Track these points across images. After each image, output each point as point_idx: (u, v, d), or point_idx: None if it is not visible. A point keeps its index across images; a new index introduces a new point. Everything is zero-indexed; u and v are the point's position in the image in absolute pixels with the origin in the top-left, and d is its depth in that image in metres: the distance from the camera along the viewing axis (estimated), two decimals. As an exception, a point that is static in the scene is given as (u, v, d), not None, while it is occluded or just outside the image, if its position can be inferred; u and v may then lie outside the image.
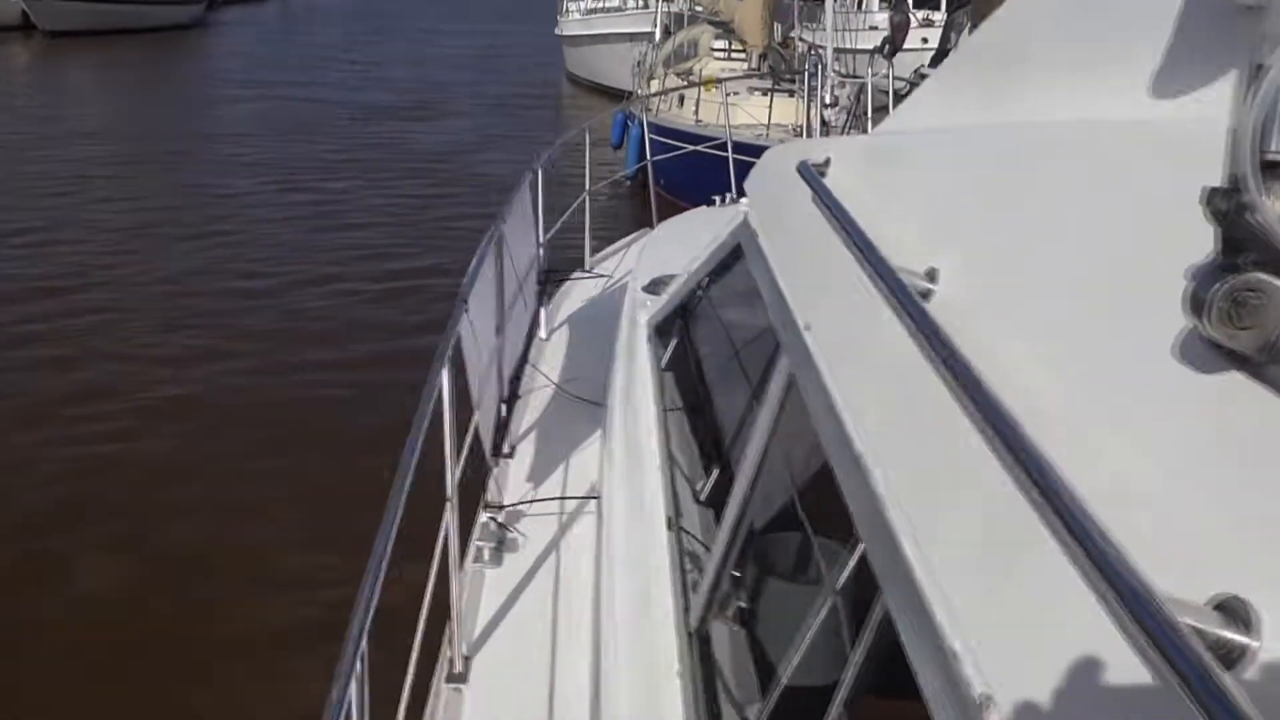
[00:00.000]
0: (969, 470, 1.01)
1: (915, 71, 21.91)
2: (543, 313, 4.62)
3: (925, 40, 24.50)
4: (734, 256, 2.51)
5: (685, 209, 13.89)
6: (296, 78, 25.37)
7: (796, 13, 18.52)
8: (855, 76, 14.81)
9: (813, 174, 1.82)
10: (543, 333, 4.58)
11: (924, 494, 1.13)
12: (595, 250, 5.78)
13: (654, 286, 3.60)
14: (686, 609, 2.09)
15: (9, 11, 31.53)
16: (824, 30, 22.31)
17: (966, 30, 19.57)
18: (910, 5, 18.95)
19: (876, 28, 22.34)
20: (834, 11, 11.37)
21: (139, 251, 11.03)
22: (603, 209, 13.54)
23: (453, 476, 2.74)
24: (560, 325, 4.72)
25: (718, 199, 6.32)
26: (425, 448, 2.30)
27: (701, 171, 12.82)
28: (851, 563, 1.48)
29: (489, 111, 21.49)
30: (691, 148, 11.93)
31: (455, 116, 20.73)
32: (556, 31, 27.90)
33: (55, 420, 7.02)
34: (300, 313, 9.30)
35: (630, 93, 17.50)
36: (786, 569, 2.01)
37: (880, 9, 24.95)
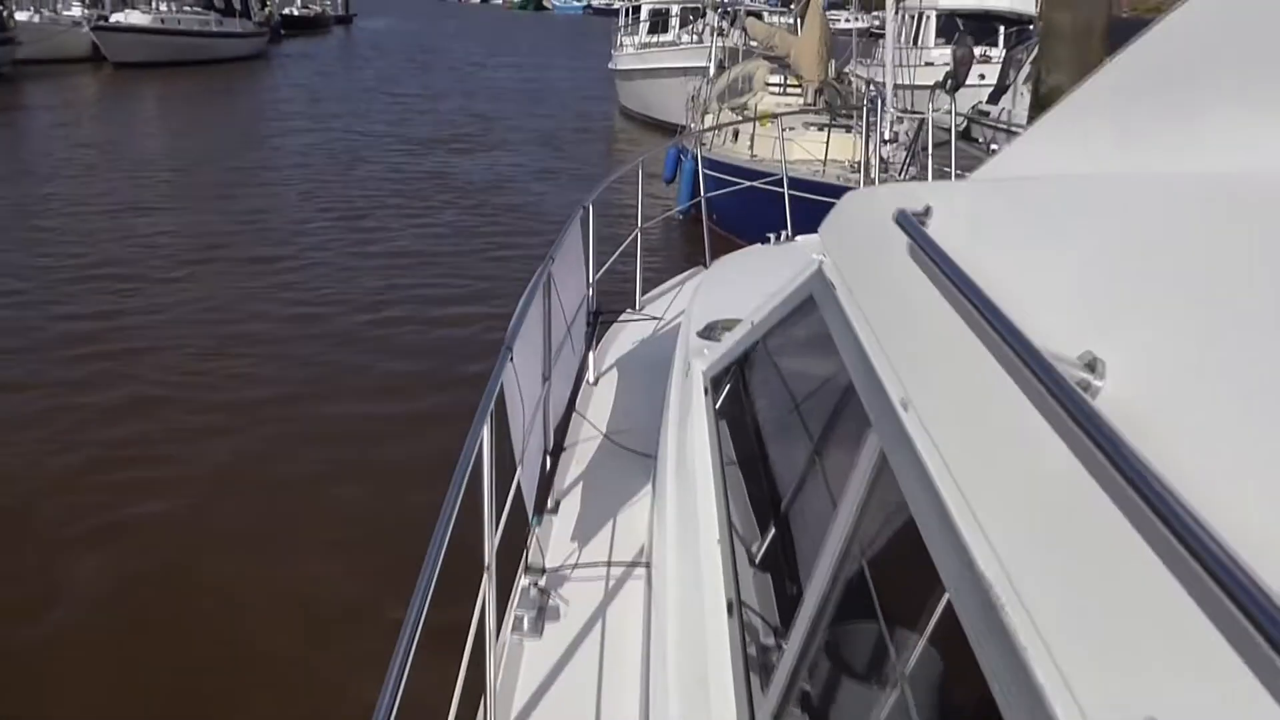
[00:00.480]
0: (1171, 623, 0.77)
1: (973, 108, 21.69)
2: (590, 356, 4.40)
3: (983, 76, 24.22)
4: (805, 309, 2.26)
5: (739, 245, 13.66)
6: (352, 109, 25.68)
7: (854, 48, 18.34)
8: (914, 112, 14.55)
9: (914, 224, 1.57)
10: (590, 376, 4.36)
11: (1092, 658, 0.87)
12: (646, 289, 5.57)
13: (709, 332, 3.37)
14: (752, 709, 1.84)
15: (79, 43, 32.42)
16: (880, 65, 22.19)
17: (1025, 66, 19.26)
18: (971, 40, 18.74)
19: (932, 64, 22.07)
20: (894, 47, 11.12)
21: (192, 278, 11.05)
22: (654, 244, 13.43)
23: (491, 543, 2.52)
24: (609, 369, 4.50)
25: (773, 236, 6.10)
26: (464, 506, 2.11)
27: (756, 207, 12.59)
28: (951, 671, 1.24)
29: (541, 144, 21.53)
30: (747, 184, 11.75)
31: (507, 150, 20.77)
32: (610, 65, 27.98)
33: (95, 444, 6.95)
34: (351, 342, 9.22)
35: (683, 127, 17.37)
36: (875, 673, 1.75)
37: (936, 44, 24.69)
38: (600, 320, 4.78)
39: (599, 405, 4.08)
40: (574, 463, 3.65)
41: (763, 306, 2.63)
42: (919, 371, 1.49)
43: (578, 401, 4.06)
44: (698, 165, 14.58)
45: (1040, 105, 8.79)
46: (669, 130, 21.65)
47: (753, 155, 12.73)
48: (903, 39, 27.83)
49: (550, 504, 3.38)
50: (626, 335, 4.88)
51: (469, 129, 23.00)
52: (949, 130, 11.50)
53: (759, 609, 2.18)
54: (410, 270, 11.69)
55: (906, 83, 17.16)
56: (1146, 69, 1.62)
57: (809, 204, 10.18)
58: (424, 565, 1.88)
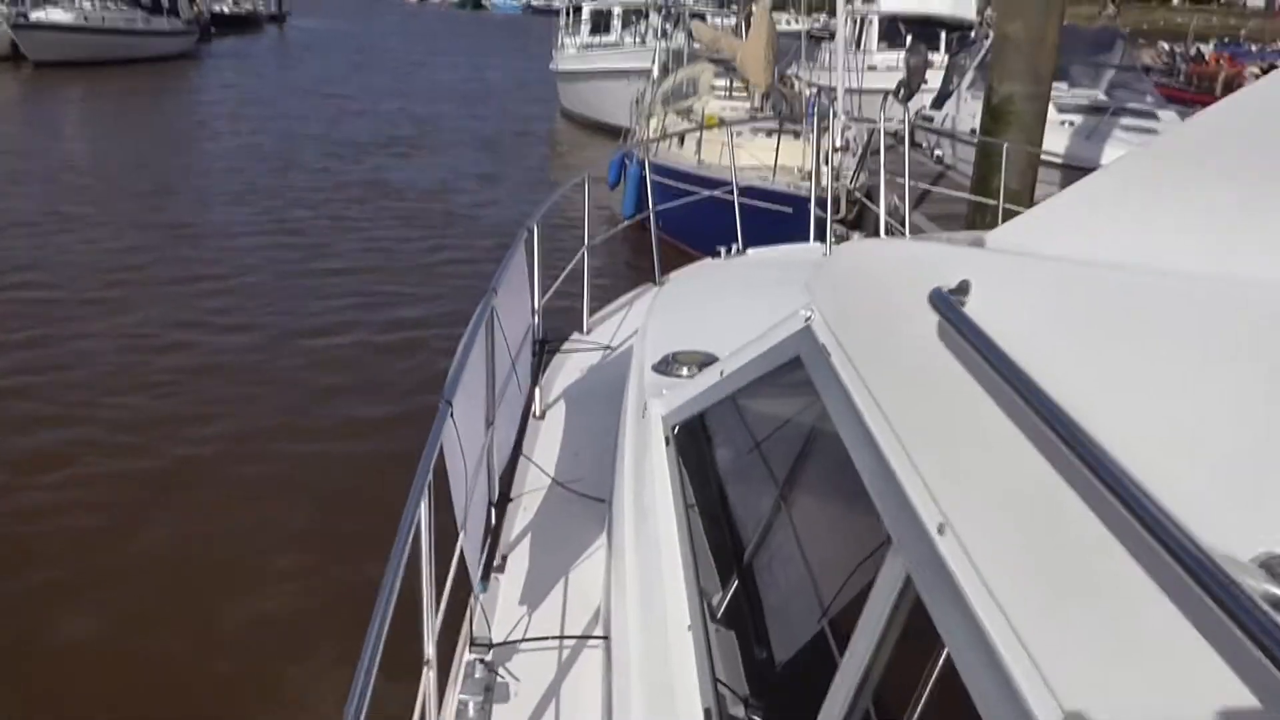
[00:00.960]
0: None
1: (917, 113, 21.69)
2: (537, 389, 4.08)
3: (925, 81, 24.31)
4: (788, 370, 1.96)
5: (688, 254, 13.37)
6: (284, 111, 24.95)
7: (802, 51, 18.22)
8: (864, 119, 14.43)
9: (953, 307, 1.27)
10: (537, 409, 4.04)
11: None
12: (594, 309, 5.25)
13: (666, 366, 3.06)
14: None
15: (-3, 41, 31.17)
16: (824, 70, 22.09)
17: (969, 72, 19.30)
18: (925, 48, 18.64)
19: (875, 68, 22.02)
20: (845, 51, 10.92)
21: (114, 298, 10.46)
22: (598, 252, 13.10)
23: (431, 628, 2.19)
24: (556, 400, 4.18)
25: (724, 250, 5.84)
26: (406, 579, 1.82)
27: (705, 214, 12.31)
28: None
29: (481, 148, 21.07)
30: (698, 193, 11.49)
31: (445, 154, 20.28)
32: (551, 66, 27.57)
33: (8, 485, 6.43)
34: (288, 372, 8.70)
35: (627, 129, 17.08)
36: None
37: (879, 49, 24.70)
38: (546, 350, 4.45)
39: (547, 444, 3.76)
40: (521, 513, 3.32)
41: (734, 357, 2.33)
42: (960, 488, 1.20)
43: (525, 441, 3.74)
44: (645, 173, 14.29)
45: (993, 114, 8.65)
46: (612, 133, 21.33)
47: (700, 161, 12.47)
48: (846, 42, 27.90)
49: (497, 560, 3.05)
50: (574, 363, 4.55)
51: (406, 132, 22.46)
52: (895, 136, 11.32)
53: (743, 712, 1.88)
54: (345, 288, 11.19)
55: (851, 86, 17.09)
56: (1234, 139, 1.32)
57: (759, 213, 9.97)
58: (359, 664, 1.59)
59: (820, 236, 7.47)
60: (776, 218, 10.12)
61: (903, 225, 11.27)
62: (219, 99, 27.53)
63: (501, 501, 3.25)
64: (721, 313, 3.54)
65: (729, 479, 2.54)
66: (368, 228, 13.94)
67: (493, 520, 3.10)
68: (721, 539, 2.37)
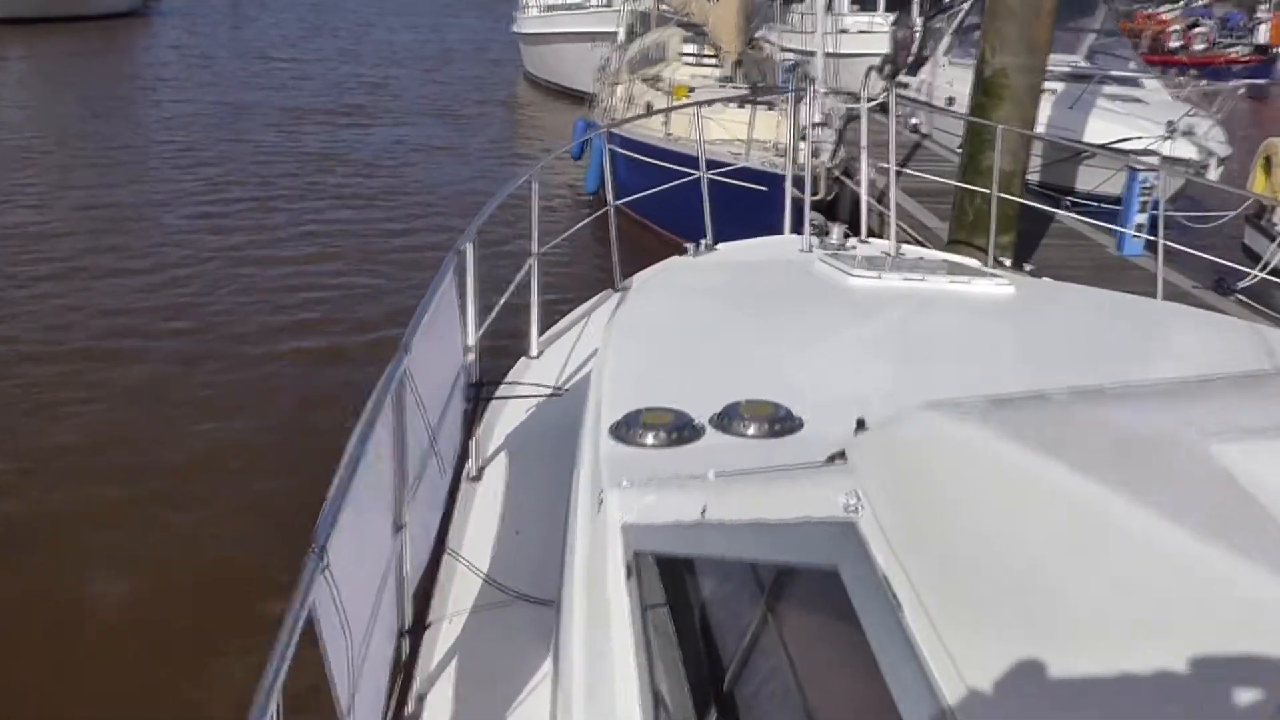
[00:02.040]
0: None
1: (867, 72, 20.96)
2: (473, 442, 3.38)
3: (911, 57, 23.51)
4: (817, 577, 1.30)
5: (653, 232, 12.65)
6: (235, 74, 23.82)
7: (777, 13, 17.42)
8: (843, 92, 13.69)
9: None
10: (472, 468, 3.35)
11: None
12: (546, 324, 4.54)
13: (628, 430, 2.39)
14: None
15: (-71, -2, 29.59)
16: (796, 33, 21.26)
17: (946, 37, 18.57)
18: (912, 20, 17.71)
19: (847, 30, 21.22)
20: (824, 13, 10.16)
21: (50, 284, 9.61)
22: (554, 229, 12.26)
23: None
24: (495, 455, 3.48)
25: (691, 247, 5.16)
26: None
27: (672, 190, 11.61)
28: None
29: (440, 115, 20.11)
30: (666, 169, 10.76)
31: (399, 121, 19.32)
32: (513, 29, 26.52)
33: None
34: (231, 385, 7.85)
35: (592, 95, 16.24)
36: None
37: (850, 11, 23.88)
38: (485, 390, 3.74)
39: (482, 519, 3.07)
40: (444, 634, 2.62)
41: (730, 490, 1.66)
42: None
43: (455, 515, 3.05)
44: (607, 149, 13.45)
45: (984, 88, 7.98)
46: (576, 98, 20.45)
47: (668, 134, 11.72)
48: (812, 4, 27.07)
49: (410, 707, 2.36)
50: (518, 404, 3.84)
51: (359, 98, 21.43)
52: (875, 111, 10.60)
53: None
54: (287, 279, 10.33)
55: (827, 52, 16.31)
56: None
57: (731, 192, 9.26)
58: None
59: (797, 221, 6.76)
60: (750, 196, 9.43)
61: (884, 206, 10.63)
62: (165, 60, 26.28)
63: (417, 624, 2.56)
64: (693, 337, 2.85)
65: (710, 612, 1.89)
66: (312, 206, 13.03)
67: (404, 652, 2.42)
68: (696, 677, 1.74)
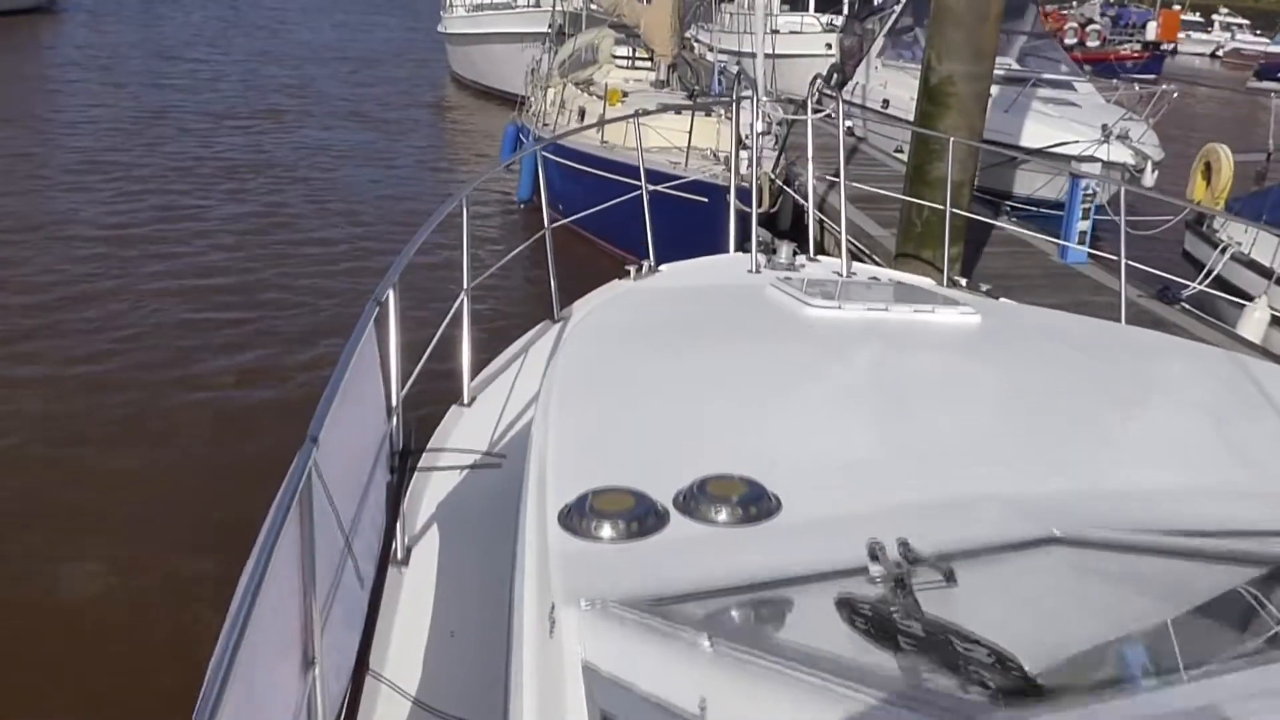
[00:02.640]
0: None
1: (813, 81, 20.80)
2: (399, 521, 2.93)
3: (829, 46, 23.45)
4: None
5: (588, 241, 12.21)
6: (145, 76, 22.77)
7: (713, 12, 17.10)
8: (786, 98, 13.42)
9: None
10: (398, 551, 2.90)
11: None
12: (477, 366, 4.07)
13: (578, 519, 1.95)
14: None
15: None
16: (727, 33, 20.96)
17: (879, 39, 18.45)
18: (860, 28, 17.38)
19: (778, 31, 21.00)
20: (763, 14, 9.82)
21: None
22: (485, 238, 11.82)
23: None
24: (425, 533, 3.02)
25: (632, 270, 4.77)
26: None
27: (605, 197, 11.21)
28: None
29: (364, 120, 19.39)
30: (604, 178, 10.36)
31: (320, 127, 18.59)
32: (439, 28, 25.86)
33: None
34: (135, 428, 7.25)
35: (522, 99, 15.73)
36: None
37: (781, 10, 23.72)
38: (410, 464, 3.27)
39: (409, 616, 2.63)
40: None
41: (728, 698, 1.27)
42: None
43: (380, 612, 2.61)
44: (539, 159, 12.95)
45: (930, 96, 7.73)
46: (506, 100, 19.93)
47: (603, 141, 11.31)
48: (748, 5, 26.84)
49: None
50: (447, 475, 3.36)
51: (281, 101, 20.62)
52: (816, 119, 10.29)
53: None
54: (210, 292, 9.74)
55: (750, 51, 15.99)
56: None
57: (672, 203, 8.90)
58: None
59: (742, 235, 6.39)
60: (691, 208, 9.08)
61: (836, 222, 10.30)
62: (71, 60, 25.07)
63: None
64: (643, 390, 2.46)
65: None
66: (227, 219, 12.29)
67: None
68: None
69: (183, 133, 16.95)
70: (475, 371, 3.94)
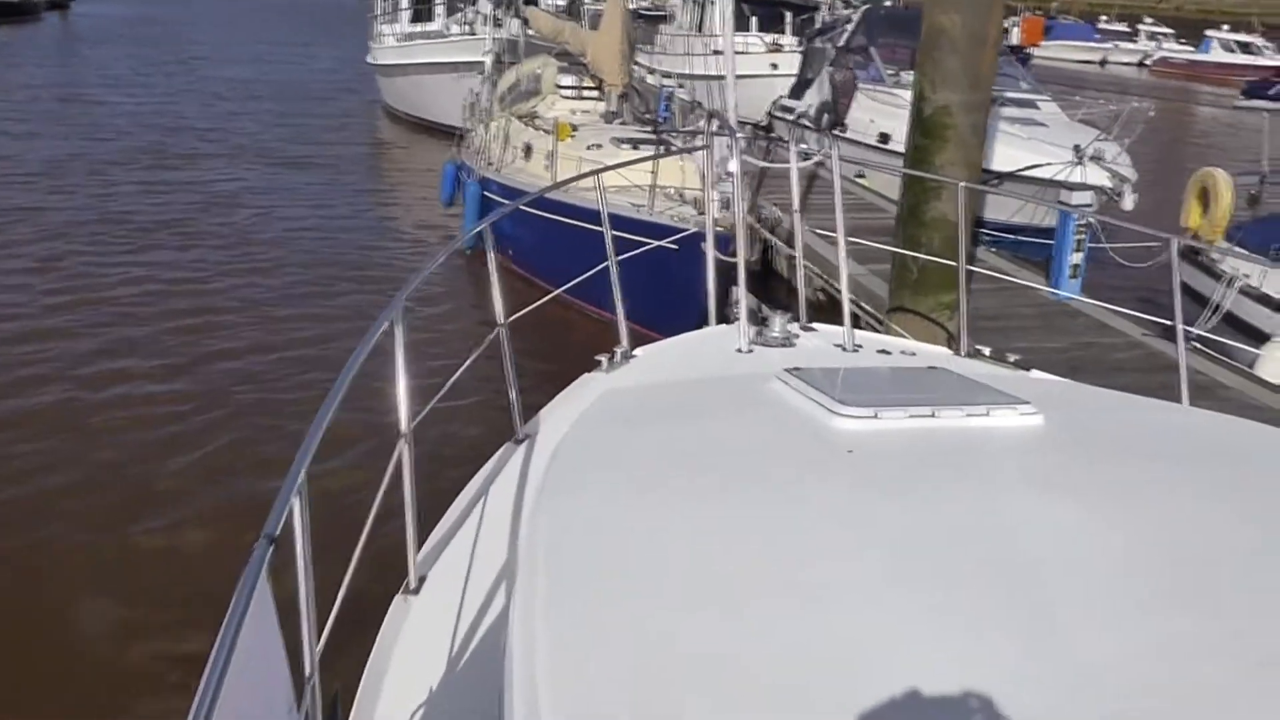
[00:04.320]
0: None
1: (775, 103, 20.16)
2: None
3: (775, 66, 22.85)
4: None
5: (539, 288, 11.23)
6: (56, 120, 21.35)
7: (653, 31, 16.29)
8: (762, 133, 12.61)
9: None
10: None
11: None
12: (423, 534, 3.00)
13: None
14: None
15: None
16: (665, 54, 20.18)
17: (831, 58, 17.82)
18: (853, 63, 16.41)
19: (720, 52, 20.35)
20: (731, 39, 8.99)
21: None
22: (427, 296, 10.70)
23: None
24: None
25: (604, 359, 3.93)
26: None
27: (565, 245, 10.31)
28: None
29: (291, 162, 18.18)
30: (556, 221, 9.46)
31: (248, 167, 17.43)
32: (369, 59, 24.80)
33: None
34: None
35: (460, 133, 14.77)
36: None
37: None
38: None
39: None
40: None
41: None
42: None
43: None
44: (481, 201, 12.09)
45: (924, 128, 6.98)
46: (442, 134, 18.97)
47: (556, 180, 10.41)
48: (688, 25, 26.18)
49: None
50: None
51: (200, 144, 19.33)
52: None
53: None
54: (110, 381, 8.57)
55: (690, 72, 15.17)
56: None
57: (636, 248, 8.02)
58: None
59: (723, 295, 5.51)
60: (660, 256, 8.21)
61: (830, 282, 9.51)
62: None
63: None
64: (641, 551, 1.90)
65: None
66: (135, 285, 10.73)
67: None
68: None
69: (94, 177, 15.67)
70: (423, 534, 2.96)
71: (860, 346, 4.31)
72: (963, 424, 2.53)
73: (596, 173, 5.41)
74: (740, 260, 4.78)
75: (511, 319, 3.83)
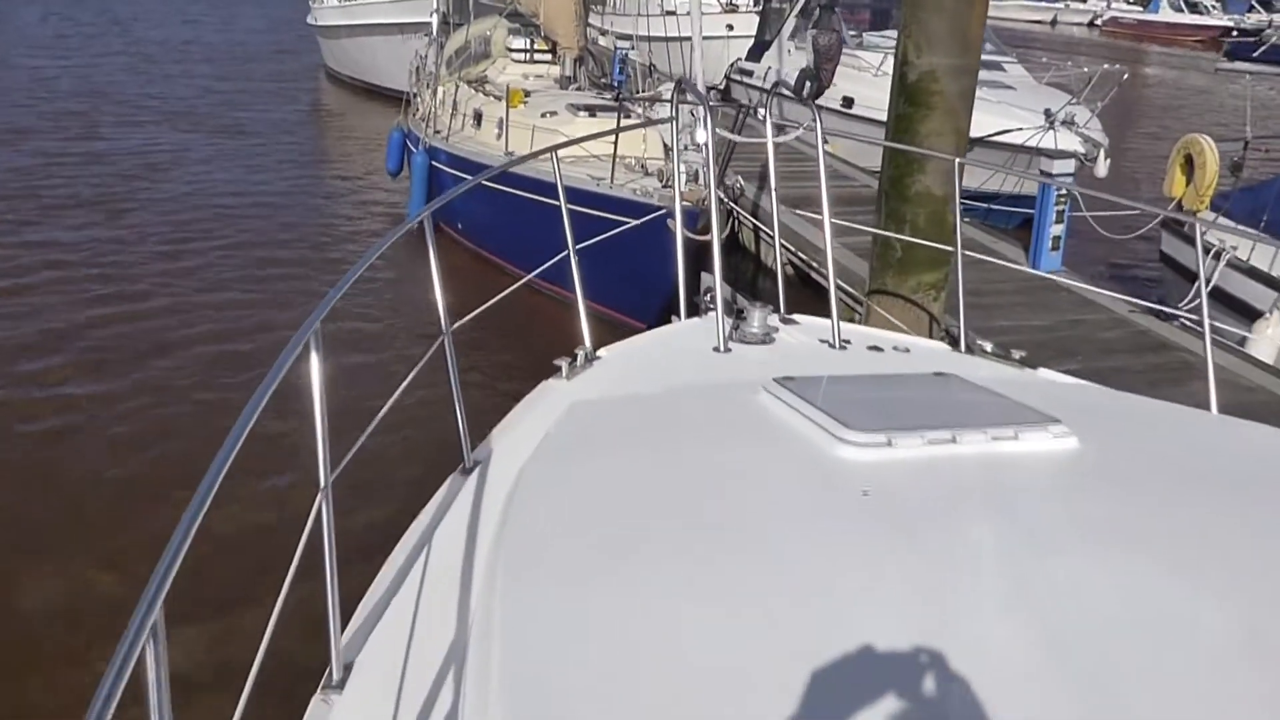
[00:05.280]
0: None
1: (732, 65, 19.50)
2: None
3: (730, 27, 22.16)
4: None
5: (491, 264, 10.57)
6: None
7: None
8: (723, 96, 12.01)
9: None
10: None
11: None
12: (353, 593, 2.42)
13: None
14: None
15: None
16: (619, 15, 19.35)
17: (790, 19, 17.22)
18: (839, 20, 15.70)
19: (674, 12, 19.68)
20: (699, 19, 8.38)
21: None
22: (370, 280, 9.97)
23: None
24: None
25: (564, 364, 3.42)
26: None
27: (519, 219, 9.71)
28: None
29: (228, 129, 17.25)
30: (512, 195, 8.84)
31: (177, 132, 16.51)
32: (309, 20, 23.72)
33: None
34: None
35: (406, 97, 13.99)
36: None
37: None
38: None
39: None
40: None
41: None
42: None
43: None
44: (430, 170, 11.39)
45: (909, 95, 6.47)
46: (386, 98, 18.17)
47: (509, 151, 9.77)
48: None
49: None
50: None
51: (131, 108, 18.33)
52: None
53: None
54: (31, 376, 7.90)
55: (645, 34, 14.47)
56: None
57: (599, 228, 7.45)
58: None
59: (692, 278, 4.94)
60: (623, 235, 7.65)
61: (797, 254, 9.00)
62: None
63: None
64: (609, 608, 1.66)
65: None
66: (25, 280, 9.59)
67: None
68: None
69: (7, 150, 14.68)
70: (347, 614, 2.38)
71: (849, 343, 3.88)
72: (989, 450, 2.25)
73: (565, 145, 4.81)
74: (715, 245, 4.22)
75: (457, 325, 3.25)
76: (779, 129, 8.03)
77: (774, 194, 5.13)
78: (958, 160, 4.97)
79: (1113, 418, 2.95)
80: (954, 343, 4.30)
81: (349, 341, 8.00)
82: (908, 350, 3.98)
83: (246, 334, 8.29)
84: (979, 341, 4.16)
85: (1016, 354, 4.02)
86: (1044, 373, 3.88)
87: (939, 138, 6.51)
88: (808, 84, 7.05)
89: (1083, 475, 2.25)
